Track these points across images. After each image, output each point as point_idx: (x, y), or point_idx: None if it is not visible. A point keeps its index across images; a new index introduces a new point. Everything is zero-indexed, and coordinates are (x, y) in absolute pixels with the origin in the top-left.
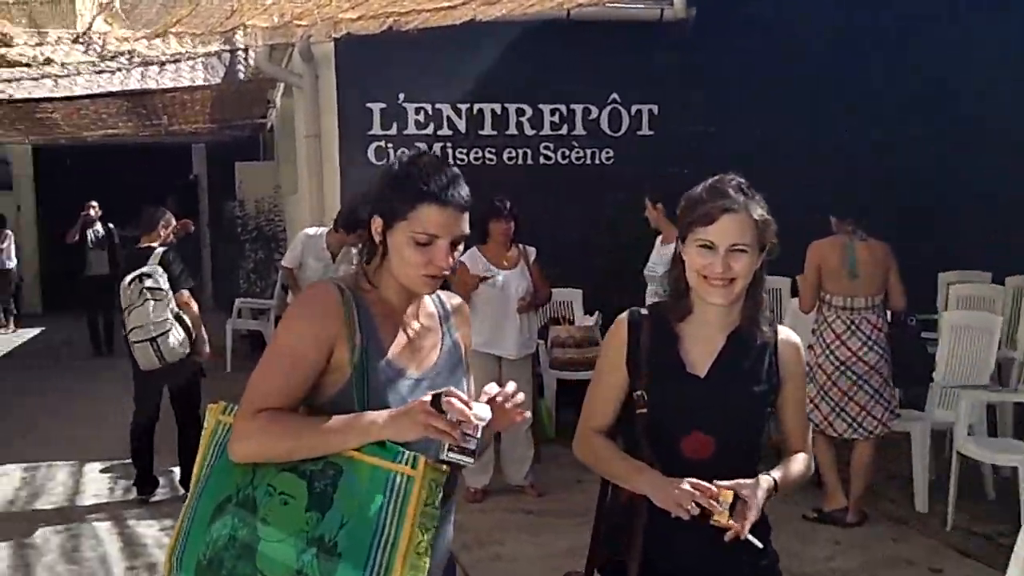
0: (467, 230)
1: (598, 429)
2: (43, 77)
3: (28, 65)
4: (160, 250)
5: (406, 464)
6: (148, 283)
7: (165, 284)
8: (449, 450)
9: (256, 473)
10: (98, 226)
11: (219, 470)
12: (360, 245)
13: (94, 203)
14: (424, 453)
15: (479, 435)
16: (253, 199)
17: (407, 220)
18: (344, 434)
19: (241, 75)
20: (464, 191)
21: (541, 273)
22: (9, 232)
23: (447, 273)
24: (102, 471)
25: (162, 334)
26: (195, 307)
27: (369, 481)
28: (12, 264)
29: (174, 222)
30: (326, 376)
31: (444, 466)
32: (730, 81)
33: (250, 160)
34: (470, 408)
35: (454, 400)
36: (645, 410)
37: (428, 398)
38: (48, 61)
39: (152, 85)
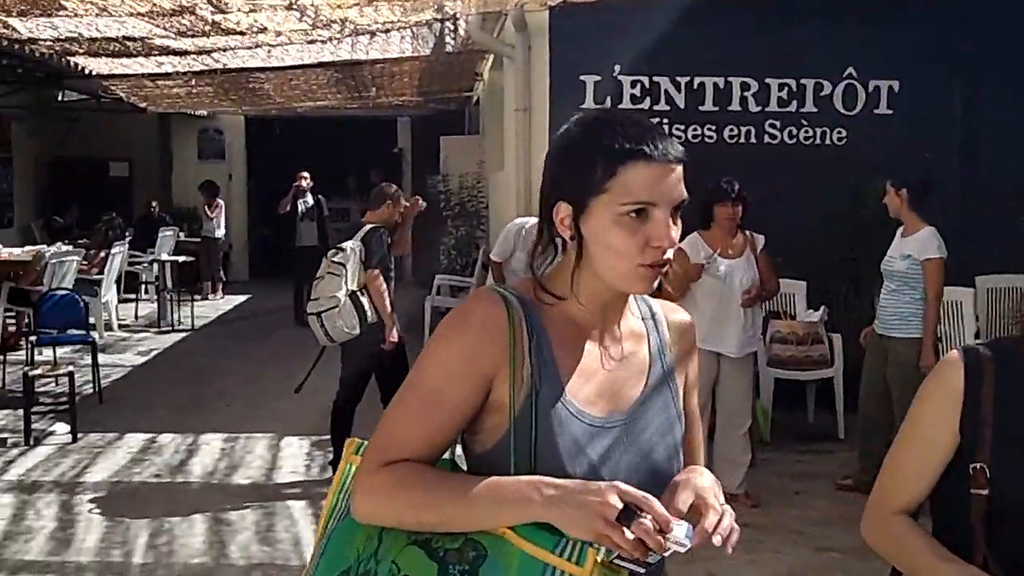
0: (685, 194)
1: (903, 509)
2: (256, 47)
3: (242, 33)
4: (369, 227)
5: (570, 559)
6: (337, 257)
7: (352, 261)
8: (619, 556)
9: (382, 542)
10: (308, 197)
11: (342, 532)
12: (536, 246)
13: (305, 174)
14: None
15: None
16: (457, 174)
17: (608, 192)
18: (493, 507)
19: (450, 47)
20: (674, 142)
21: (769, 263)
22: (220, 202)
23: (669, 256)
24: (301, 447)
25: (328, 310)
26: (381, 289)
27: (518, 573)
28: (221, 233)
29: (404, 202)
30: (481, 419)
31: (620, 571)
32: (984, 57)
33: (455, 134)
34: (668, 532)
35: (647, 522)
36: (985, 491)
37: (615, 499)
38: (262, 29)
39: (362, 56)
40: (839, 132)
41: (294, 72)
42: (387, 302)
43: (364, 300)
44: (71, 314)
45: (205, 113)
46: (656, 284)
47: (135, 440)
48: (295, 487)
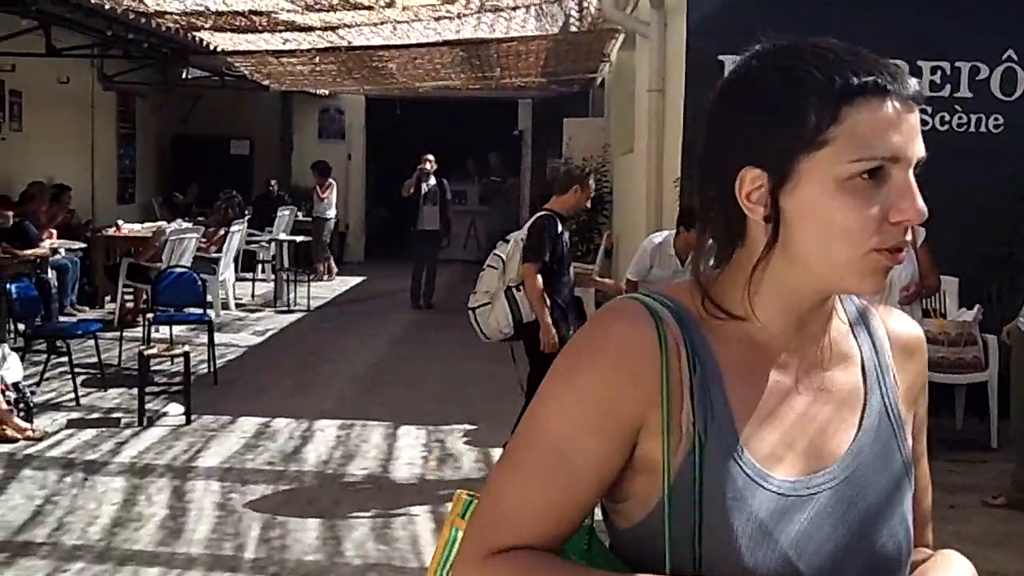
0: (923, 151)
1: None
2: (382, 23)
3: (369, 8)
4: (539, 214)
5: None
6: (499, 249)
7: (513, 253)
8: None
9: None
10: (432, 180)
11: None
12: (703, 238)
13: (430, 157)
14: None
15: None
16: (580, 157)
17: (830, 145)
18: None
19: (576, 26)
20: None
21: (930, 258)
22: (332, 182)
23: (910, 238)
24: (417, 437)
25: (481, 306)
26: (537, 286)
27: None
28: (332, 213)
29: (592, 187)
30: (625, 484)
31: None
32: None
33: (577, 117)
34: None
35: None
36: None
37: None
38: (390, 3)
39: (491, 34)
40: (996, 119)
41: (419, 50)
42: (542, 301)
43: (520, 296)
44: (189, 292)
45: (326, 92)
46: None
47: (248, 424)
48: (412, 481)
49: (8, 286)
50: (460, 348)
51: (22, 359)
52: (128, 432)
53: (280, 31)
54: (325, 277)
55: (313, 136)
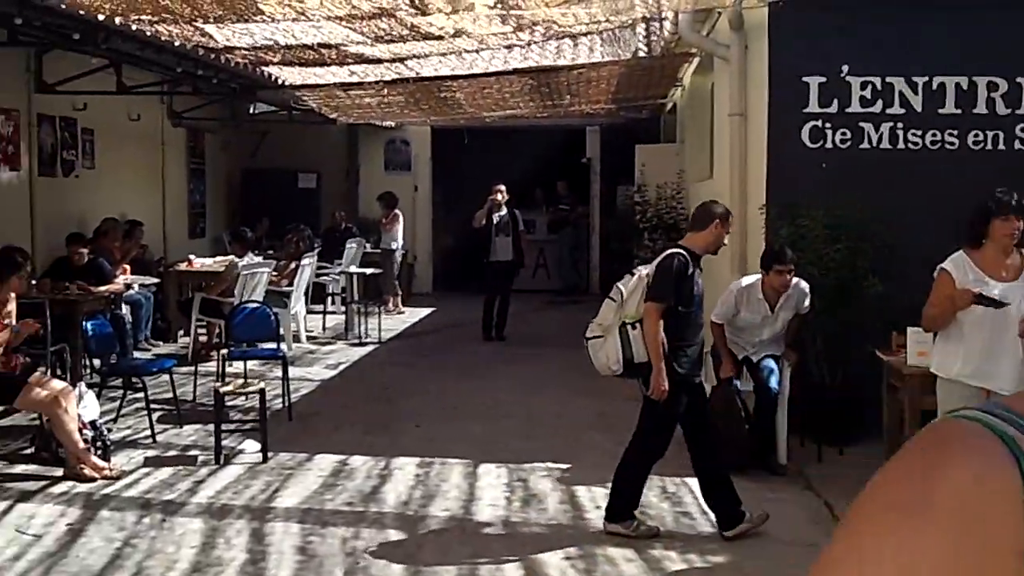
0: None
1: None
2: (451, 53)
3: (440, 38)
4: (671, 251)
5: None
6: (623, 281)
7: (636, 288)
8: None
9: None
10: (503, 211)
11: None
12: None
13: (501, 187)
14: None
15: None
16: (654, 184)
17: None
18: None
19: (647, 51)
20: None
21: None
22: (398, 213)
23: None
24: (499, 476)
25: (593, 339)
26: (652, 326)
27: None
28: (399, 244)
29: (731, 224)
30: None
31: None
32: None
33: (648, 143)
34: None
35: None
36: None
37: None
38: (460, 33)
39: (561, 61)
40: None
41: (487, 80)
42: (657, 344)
43: (634, 335)
44: (262, 327)
45: (392, 124)
46: None
47: (326, 462)
48: (496, 523)
49: (84, 323)
50: (535, 381)
51: (98, 396)
52: (205, 471)
53: (348, 64)
54: (395, 309)
55: (379, 168)
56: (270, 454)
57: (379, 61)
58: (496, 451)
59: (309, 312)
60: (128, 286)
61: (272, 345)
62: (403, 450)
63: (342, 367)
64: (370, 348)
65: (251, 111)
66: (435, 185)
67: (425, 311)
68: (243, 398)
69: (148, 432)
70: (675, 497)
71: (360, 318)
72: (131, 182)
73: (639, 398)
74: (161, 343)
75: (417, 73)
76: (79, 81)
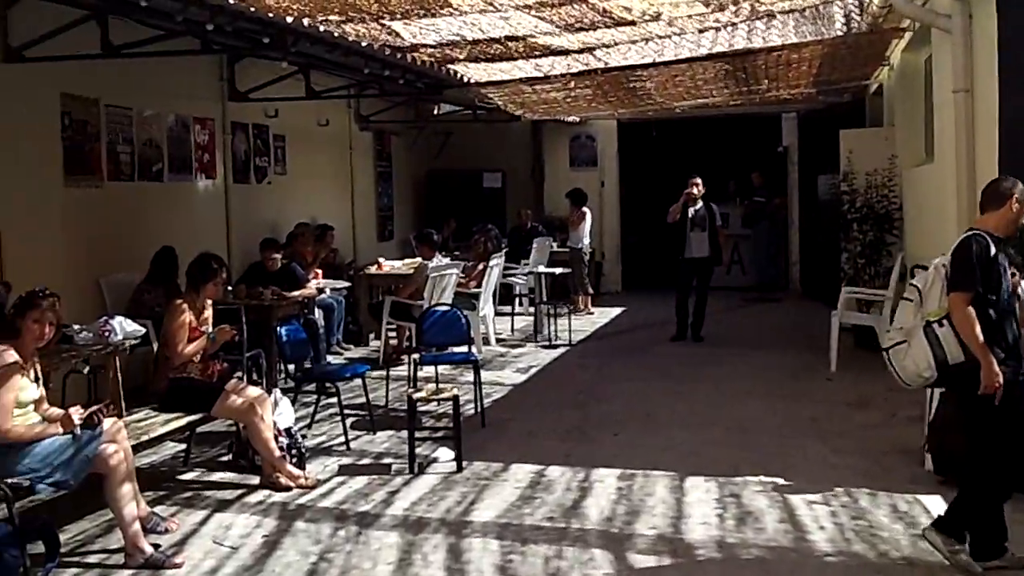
0: None
1: None
2: (642, 40)
3: (632, 23)
4: (967, 235)
5: None
6: (917, 278)
7: (933, 282)
8: None
9: None
10: (699, 205)
11: None
12: None
13: (698, 180)
14: None
15: None
16: (863, 172)
17: None
18: None
19: (855, 26)
20: None
21: None
22: (585, 210)
23: None
24: (708, 490)
25: (895, 345)
26: (965, 318)
27: None
28: (587, 242)
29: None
30: None
31: None
32: None
33: (849, 128)
34: None
35: None
36: None
37: None
38: (656, 17)
39: (757, 43)
40: None
41: (679, 67)
42: (975, 332)
43: (942, 333)
44: (453, 331)
45: (577, 119)
46: None
47: (522, 472)
48: (710, 543)
49: (278, 329)
50: (739, 385)
51: (293, 402)
52: (399, 480)
53: (535, 56)
54: (584, 309)
55: (565, 165)
56: (464, 463)
57: (567, 52)
58: (702, 462)
59: (497, 314)
60: (320, 290)
61: (463, 349)
62: (602, 460)
63: (533, 370)
64: (561, 351)
65: (435, 112)
66: (622, 180)
67: (615, 311)
68: (436, 404)
69: (342, 439)
70: (907, 517)
71: (549, 319)
72: (321, 186)
73: (853, 402)
74: (352, 347)
75: (605, 63)
76: (269, 88)
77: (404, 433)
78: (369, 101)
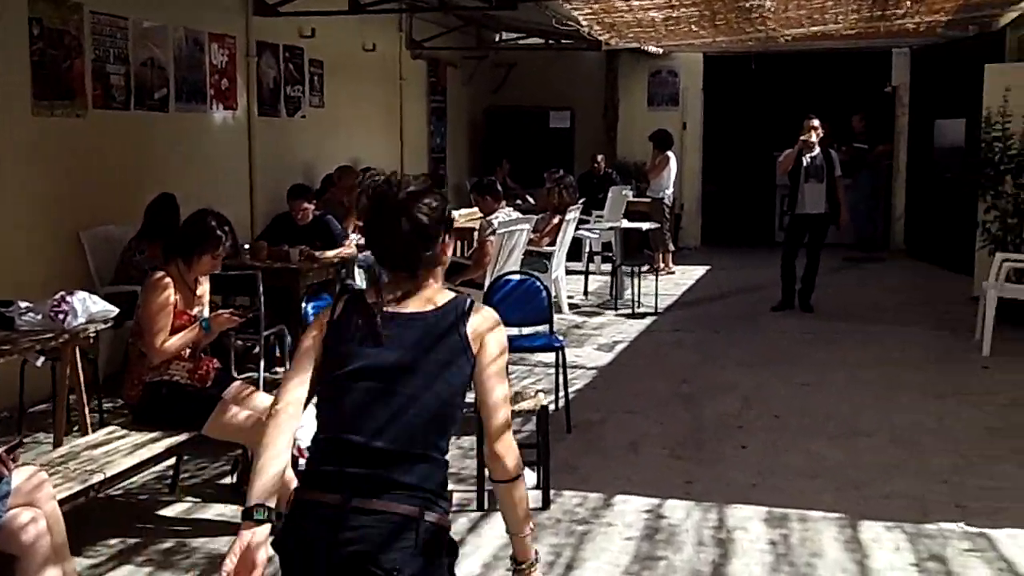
0: None
1: None
2: None
3: None
4: None
5: None
6: None
7: None
8: None
9: None
10: (815, 151)
11: None
12: None
13: (815, 122)
14: None
15: None
16: (1020, 114)
17: None
18: None
19: None
20: None
21: None
22: (669, 154)
23: None
24: (896, 542)
25: None
26: None
27: None
28: (670, 192)
29: None
30: None
31: None
32: None
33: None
34: None
35: None
36: None
37: None
38: None
39: None
40: None
41: None
42: None
43: None
44: (532, 307)
45: (660, 51)
46: None
47: (630, 510)
48: None
49: (304, 307)
50: (875, 374)
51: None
52: (464, 521)
53: None
54: (665, 268)
55: (642, 104)
56: (551, 492)
57: None
58: (872, 496)
59: (567, 272)
60: (360, 247)
61: (544, 329)
62: (737, 491)
63: (619, 347)
64: (647, 321)
65: (497, 39)
66: (706, 122)
67: (698, 270)
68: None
69: None
70: None
71: (630, 280)
72: (365, 123)
73: None
74: None
75: None
76: (305, 0)
77: (468, 444)
78: (424, 23)
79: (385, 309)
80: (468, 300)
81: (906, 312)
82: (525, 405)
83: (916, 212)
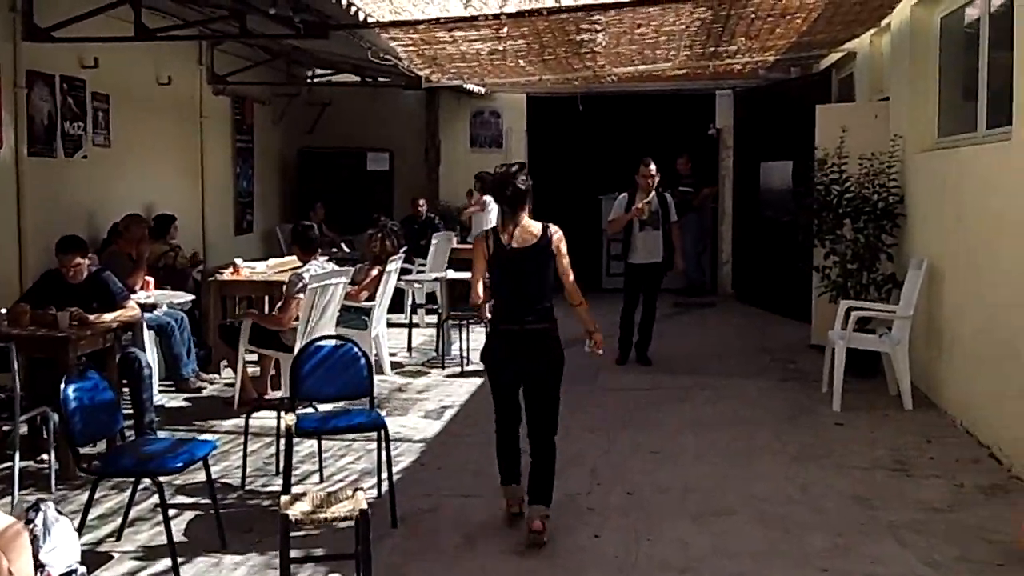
0: None
1: None
2: None
3: None
4: None
5: None
6: None
7: None
8: None
9: None
10: (651, 196)
11: None
12: None
13: (651, 167)
14: None
15: None
16: (856, 156)
17: None
18: None
19: None
20: None
21: None
22: (487, 198)
23: None
24: None
25: None
26: None
27: None
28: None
29: None
30: None
31: None
32: None
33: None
34: None
35: None
36: None
37: None
38: None
39: None
40: None
41: (649, 13)
42: None
43: None
44: (348, 376)
45: (482, 91)
46: None
47: None
48: None
49: (63, 391)
50: (728, 436)
51: (89, 503)
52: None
53: None
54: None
55: (464, 145)
56: None
57: None
58: None
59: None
60: (151, 307)
61: (362, 406)
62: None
63: (448, 414)
64: (478, 381)
65: (309, 75)
66: (531, 164)
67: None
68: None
69: (167, 563)
70: None
71: (457, 334)
72: (160, 165)
73: (892, 465)
74: (217, 377)
75: (558, 2)
76: (84, 25)
77: (269, 548)
78: (227, 56)
79: (512, 246)
80: (550, 228)
81: (748, 362)
82: (340, 510)
83: (744, 256)
